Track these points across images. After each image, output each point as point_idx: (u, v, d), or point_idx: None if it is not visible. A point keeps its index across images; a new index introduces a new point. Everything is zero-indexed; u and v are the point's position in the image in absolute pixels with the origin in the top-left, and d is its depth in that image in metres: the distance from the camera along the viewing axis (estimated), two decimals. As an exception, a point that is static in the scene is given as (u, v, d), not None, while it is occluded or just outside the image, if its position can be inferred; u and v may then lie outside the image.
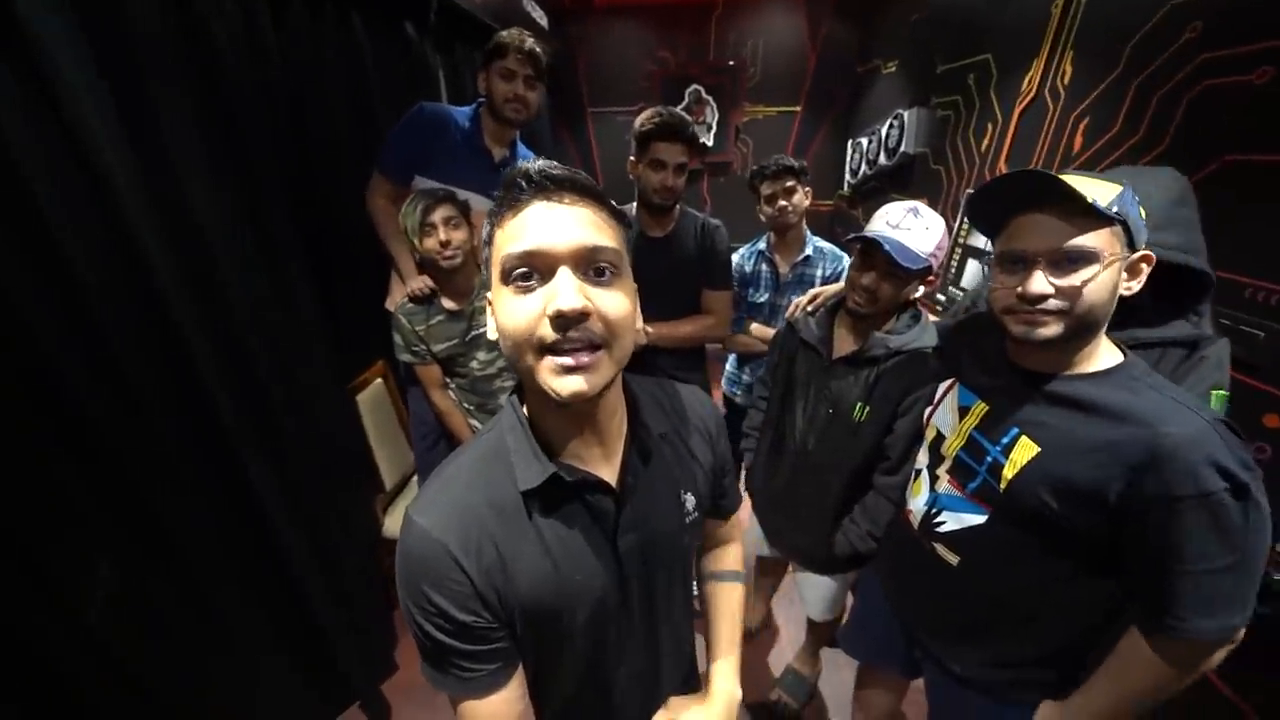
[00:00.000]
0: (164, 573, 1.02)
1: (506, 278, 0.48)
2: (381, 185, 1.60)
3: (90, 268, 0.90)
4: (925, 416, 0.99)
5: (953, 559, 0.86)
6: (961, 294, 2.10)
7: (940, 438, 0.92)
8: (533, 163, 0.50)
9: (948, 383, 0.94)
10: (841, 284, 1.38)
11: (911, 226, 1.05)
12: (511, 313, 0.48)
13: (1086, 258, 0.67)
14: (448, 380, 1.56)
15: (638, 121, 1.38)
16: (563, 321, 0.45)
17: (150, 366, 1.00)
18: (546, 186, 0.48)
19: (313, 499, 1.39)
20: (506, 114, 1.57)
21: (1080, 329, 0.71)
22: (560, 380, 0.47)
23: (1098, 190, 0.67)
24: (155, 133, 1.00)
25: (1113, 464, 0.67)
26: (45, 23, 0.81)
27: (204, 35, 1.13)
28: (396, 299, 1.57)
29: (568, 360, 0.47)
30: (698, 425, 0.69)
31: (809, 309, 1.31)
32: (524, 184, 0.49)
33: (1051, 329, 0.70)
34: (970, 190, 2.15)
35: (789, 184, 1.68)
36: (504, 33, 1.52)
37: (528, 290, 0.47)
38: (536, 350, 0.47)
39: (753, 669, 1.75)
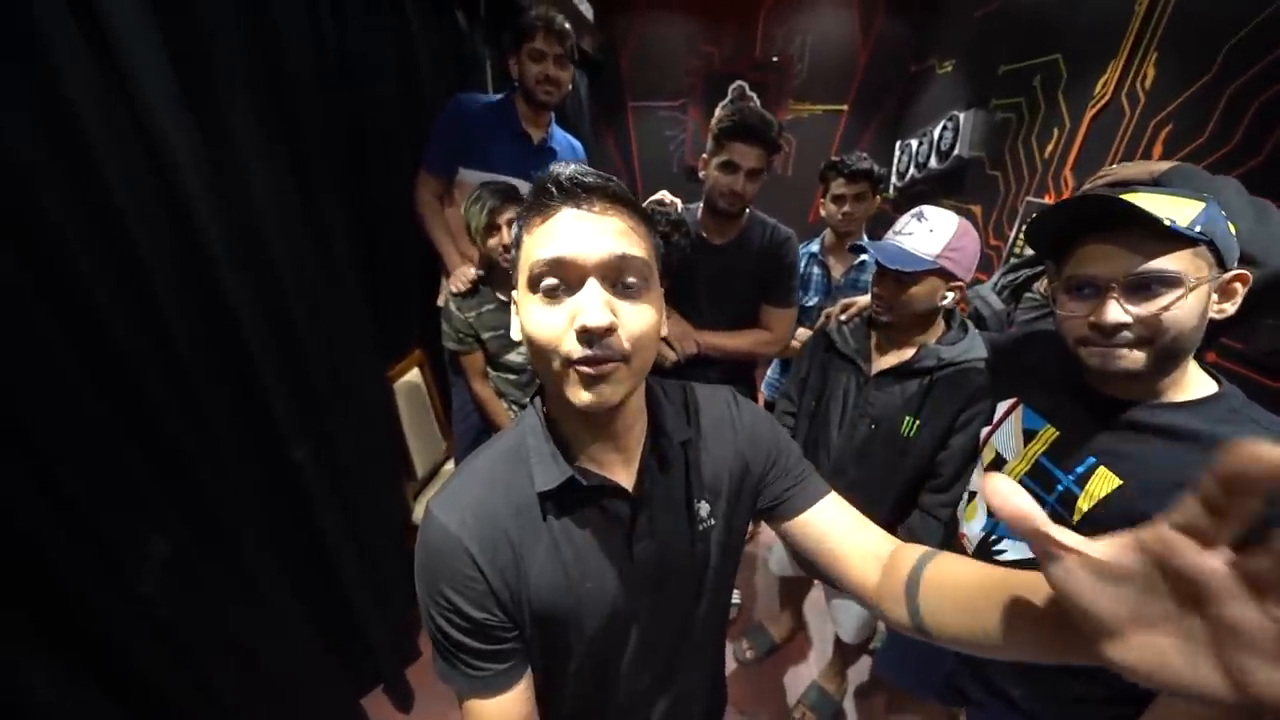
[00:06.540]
0: (211, 548, 1.04)
1: (533, 285, 0.48)
2: (429, 183, 1.61)
3: (153, 252, 0.91)
4: (982, 437, 0.93)
5: None
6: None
7: (1000, 460, 0.86)
8: (564, 167, 0.49)
9: (1009, 403, 0.88)
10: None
11: (914, 230, 1.01)
12: (537, 323, 0.48)
13: (1167, 282, 0.61)
14: (490, 371, 1.56)
15: (716, 115, 1.30)
16: (588, 337, 0.45)
17: (205, 350, 1.02)
18: (577, 194, 0.48)
19: (350, 483, 1.41)
20: (539, 96, 1.56)
21: (1165, 358, 0.65)
22: (582, 392, 0.47)
23: (1176, 210, 0.61)
24: (217, 117, 1.01)
25: None
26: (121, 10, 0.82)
27: (266, 23, 1.14)
28: (446, 296, 1.57)
29: (589, 370, 0.46)
30: (720, 424, 0.64)
31: (843, 318, 1.26)
32: (554, 190, 0.48)
33: (1132, 360, 0.65)
34: (1030, 199, 2.04)
35: (862, 190, 1.63)
36: (531, 12, 1.49)
37: (554, 301, 0.47)
38: (561, 362, 0.47)
39: (775, 682, 1.72)
